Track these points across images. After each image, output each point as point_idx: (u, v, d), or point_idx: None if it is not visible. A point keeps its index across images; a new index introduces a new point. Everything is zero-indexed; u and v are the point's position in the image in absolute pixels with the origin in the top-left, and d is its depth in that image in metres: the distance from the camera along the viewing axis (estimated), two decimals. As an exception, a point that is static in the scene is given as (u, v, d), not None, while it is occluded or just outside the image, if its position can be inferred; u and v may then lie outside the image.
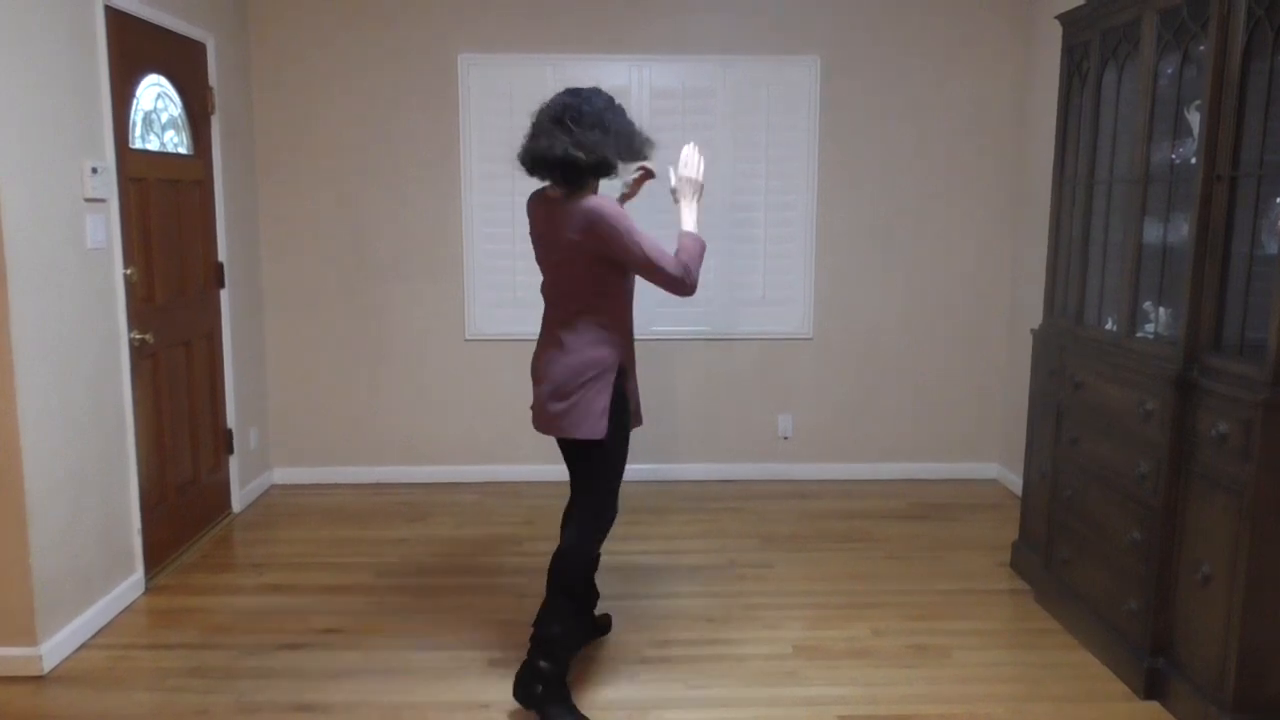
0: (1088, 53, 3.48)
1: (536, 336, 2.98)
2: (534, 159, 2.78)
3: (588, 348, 2.82)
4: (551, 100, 2.84)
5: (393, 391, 5.07)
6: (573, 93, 2.83)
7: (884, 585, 3.83)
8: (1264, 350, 2.55)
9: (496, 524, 4.50)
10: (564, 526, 3.03)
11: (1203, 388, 2.76)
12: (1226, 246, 2.75)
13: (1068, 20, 3.61)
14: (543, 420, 2.89)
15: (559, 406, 2.83)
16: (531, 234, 2.94)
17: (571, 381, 2.81)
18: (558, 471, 4.65)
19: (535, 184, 2.91)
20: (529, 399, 2.98)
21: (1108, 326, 3.35)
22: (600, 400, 2.81)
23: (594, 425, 2.80)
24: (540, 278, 2.95)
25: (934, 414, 5.20)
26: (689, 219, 2.90)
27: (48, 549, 3.14)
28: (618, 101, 2.87)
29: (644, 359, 5.07)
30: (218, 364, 4.49)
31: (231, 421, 4.61)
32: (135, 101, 3.77)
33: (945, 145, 4.99)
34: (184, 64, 4.16)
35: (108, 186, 3.50)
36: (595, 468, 2.89)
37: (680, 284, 2.78)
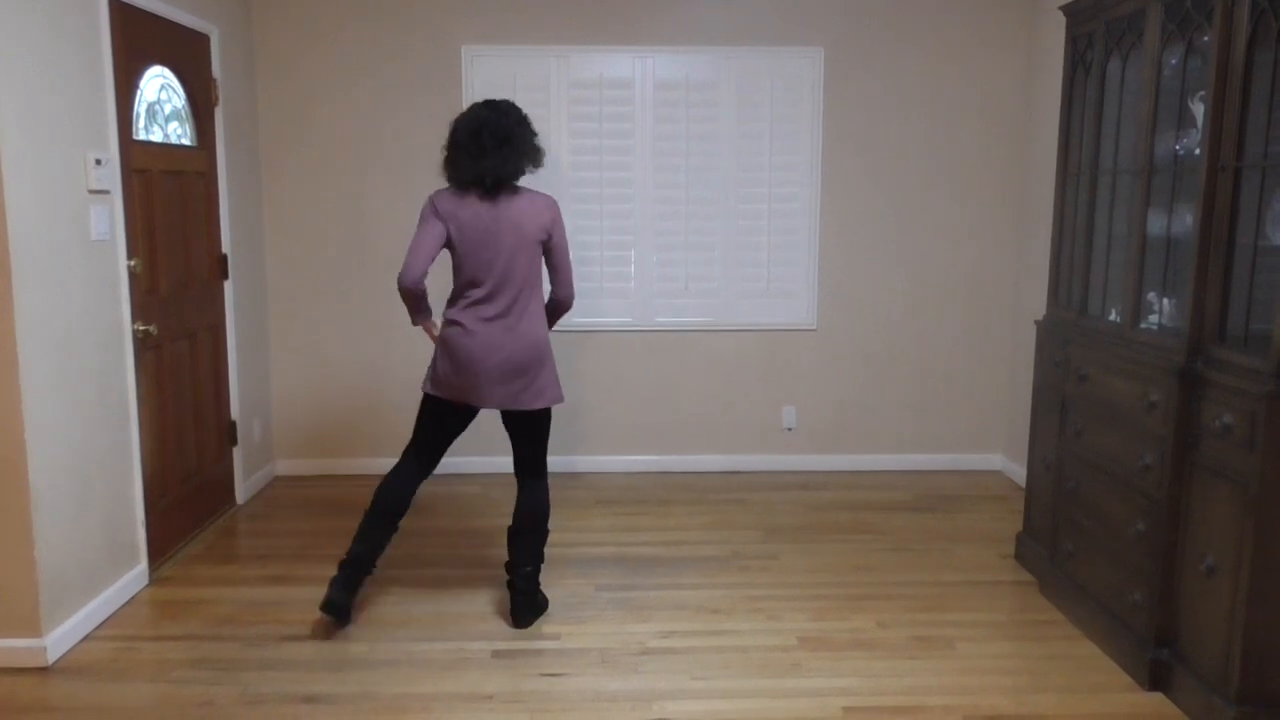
0: (1092, 43, 3.47)
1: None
2: (497, 178, 3.14)
3: (543, 325, 3.28)
4: (484, 117, 3.17)
5: (396, 383, 5.07)
6: (502, 107, 3.21)
7: (888, 577, 3.83)
8: (1268, 342, 2.55)
9: (499, 516, 4.49)
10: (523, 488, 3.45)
11: (1207, 379, 2.76)
12: (1231, 238, 2.74)
13: (1072, 11, 3.60)
14: (497, 396, 3.23)
15: (522, 382, 3.23)
16: (461, 232, 3.17)
17: (539, 354, 3.24)
18: (563, 463, 4.64)
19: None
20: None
21: (1112, 318, 3.35)
22: (554, 370, 3.34)
23: (556, 393, 3.33)
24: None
25: (938, 405, 5.20)
26: None
27: (52, 541, 3.15)
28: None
29: (647, 350, 5.10)
30: (221, 356, 4.49)
31: (235, 413, 4.62)
32: (139, 93, 3.77)
33: (949, 136, 4.98)
34: (188, 55, 4.15)
35: (111, 178, 3.50)
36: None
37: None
